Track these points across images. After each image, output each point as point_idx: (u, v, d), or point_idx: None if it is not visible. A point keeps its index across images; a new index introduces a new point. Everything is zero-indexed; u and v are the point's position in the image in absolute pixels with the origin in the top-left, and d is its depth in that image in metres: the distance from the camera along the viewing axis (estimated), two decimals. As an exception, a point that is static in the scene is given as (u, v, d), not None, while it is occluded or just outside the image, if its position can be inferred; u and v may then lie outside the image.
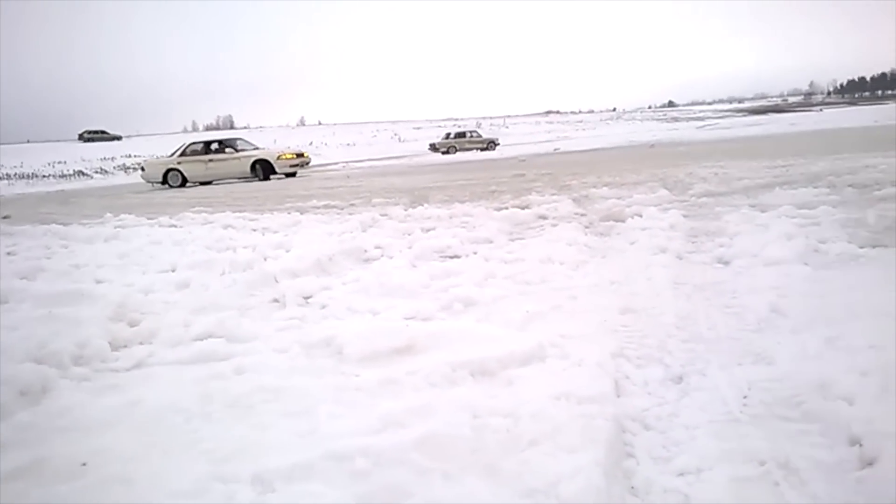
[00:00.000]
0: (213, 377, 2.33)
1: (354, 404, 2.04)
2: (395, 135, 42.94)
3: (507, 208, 6.47)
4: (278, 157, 19.36)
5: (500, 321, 2.90)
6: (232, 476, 1.59)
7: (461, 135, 38.38)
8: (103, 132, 60.02)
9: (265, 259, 4.50)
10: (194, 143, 20.75)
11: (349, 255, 4.56)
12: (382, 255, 4.50)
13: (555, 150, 23.21)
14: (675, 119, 61.99)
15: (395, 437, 1.75)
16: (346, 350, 2.55)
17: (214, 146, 20.16)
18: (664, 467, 1.69)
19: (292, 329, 3.00)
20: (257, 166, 19.14)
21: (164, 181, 19.64)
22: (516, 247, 4.57)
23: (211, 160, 19.65)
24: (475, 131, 40.77)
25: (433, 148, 37.05)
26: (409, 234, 5.22)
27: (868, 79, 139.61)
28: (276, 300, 3.60)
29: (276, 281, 3.88)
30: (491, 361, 2.29)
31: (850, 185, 6.38)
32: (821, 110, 56.83)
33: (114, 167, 35.77)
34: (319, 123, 59.45)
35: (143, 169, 20.90)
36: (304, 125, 61.34)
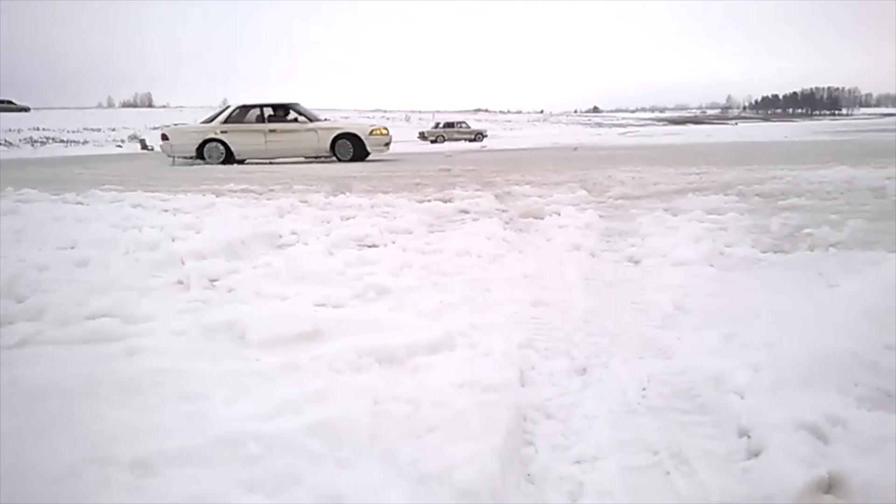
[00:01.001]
0: (103, 358, 2.20)
1: (252, 389, 1.96)
2: (322, 122, 42.42)
3: (429, 201, 6.45)
4: (371, 132, 14.33)
5: (413, 310, 2.87)
6: (110, 459, 1.49)
7: (450, 125, 39.60)
8: (9, 102, 56.45)
9: (173, 240, 4.31)
10: (245, 105, 14.69)
11: (263, 239, 4.42)
12: (298, 242, 4.39)
13: (482, 147, 23.37)
14: (599, 124, 63.59)
15: (291, 422, 1.69)
16: (248, 334, 2.45)
17: (275, 111, 14.60)
18: (562, 455, 1.69)
19: (194, 312, 2.88)
20: (342, 143, 14.10)
21: (199, 156, 14.12)
22: (435, 238, 4.55)
23: (272, 130, 14.19)
24: (464, 122, 41.64)
25: (422, 136, 38.22)
26: (328, 222, 5.12)
27: (780, 97, 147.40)
28: (180, 282, 3.45)
29: (182, 262, 3.72)
30: (399, 349, 2.26)
31: (757, 195, 6.68)
32: (736, 124, 59.55)
33: (20, 140, 33.64)
34: (244, 106, 57.97)
35: (164, 138, 14.69)
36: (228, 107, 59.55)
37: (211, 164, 13.93)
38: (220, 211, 5.95)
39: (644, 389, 2.03)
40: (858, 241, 4.26)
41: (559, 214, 5.37)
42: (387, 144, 14.69)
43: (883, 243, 4.17)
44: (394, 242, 4.38)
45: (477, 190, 7.66)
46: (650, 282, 3.34)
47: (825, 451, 1.57)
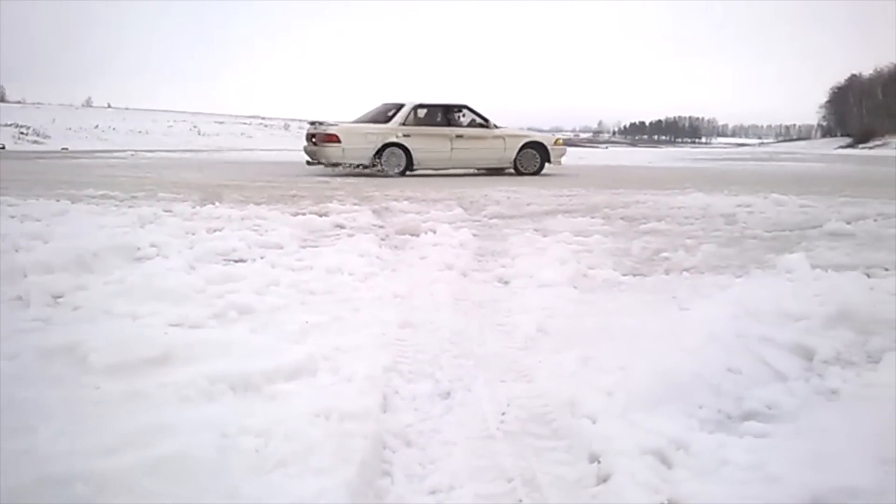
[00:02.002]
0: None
1: (88, 421, 1.80)
2: (195, 127, 40.20)
3: (304, 214, 6.30)
4: (555, 142, 13.39)
5: (276, 332, 2.76)
6: None
7: None
8: None
9: (16, 250, 3.94)
10: (422, 104, 12.55)
11: (119, 251, 4.13)
12: (158, 255, 4.13)
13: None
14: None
15: (128, 459, 1.56)
16: (91, 358, 2.26)
17: (459, 115, 12.78)
18: (418, 485, 1.67)
19: (32, 332, 2.63)
20: (528, 153, 12.84)
21: (374, 163, 11.79)
22: (307, 254, 4.44)
23: (459, 136, 12.42)
24: None
25: None
26: (193, 234, 4.86)
27: (647, 123, 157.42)
28: (20, 298, 3.15)
29: (25, 276, 3.41)
30: (256, 375, 2.16)
31: (621, 218, 7.04)
32: (606, 147, 62.79)
33: None
34: (109, 106, 53.99)
35: (331, 139, 11.73)
36: (90, 106, 55.32)
37: (388, 174, 11.82)
38: (74, 219, 5.52)
39: (503, 414, 2.05)
40: (710, 266, 4.57)
41: (435, 232, 5.39)
42: (562, 157, 13.54)
43: (731, 268, 4.50)
44: (262, 258, 4.22)
45: (355, 204, 7.58)
46: (517, 303, 3.41)
47: (668, 476, 1.64)
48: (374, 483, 1.64)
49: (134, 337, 2.43)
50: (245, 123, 44.86)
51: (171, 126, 39.98)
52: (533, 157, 12.86)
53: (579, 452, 1.78)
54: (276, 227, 5.40)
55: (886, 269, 4.36)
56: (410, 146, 11.96)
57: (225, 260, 4.19)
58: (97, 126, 35.44)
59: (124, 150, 26.81)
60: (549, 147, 13.00)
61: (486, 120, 12.82)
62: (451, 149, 12.38)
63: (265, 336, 2.68)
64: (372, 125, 12.30)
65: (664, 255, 4.92)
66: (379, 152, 11.78)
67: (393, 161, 11.91)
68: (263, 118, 49.19)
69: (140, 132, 36.20)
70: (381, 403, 2.08)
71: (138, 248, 4.23)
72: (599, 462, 1.70)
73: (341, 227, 5.86)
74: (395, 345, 2.67)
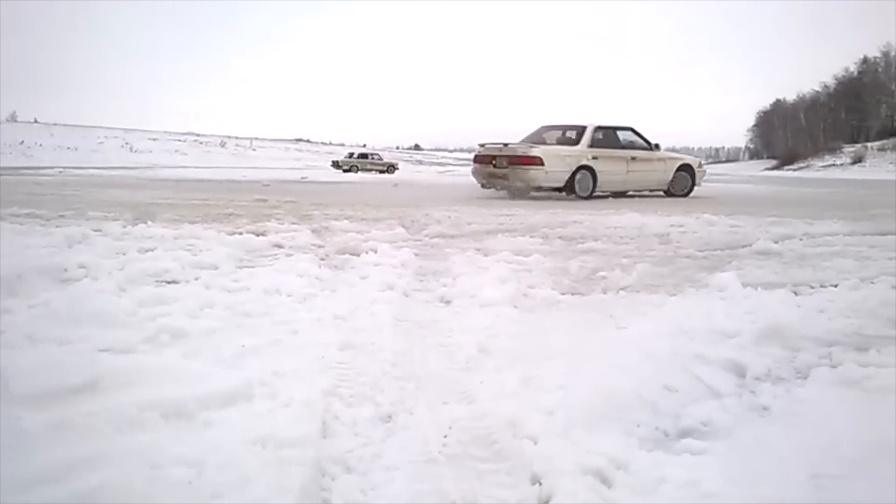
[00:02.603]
0: None
1: (8, 453, 1.70)
2: (127, 143, 39.03)
3: (241, 233, 6.17)
4: (698, 165, 13.67)
5: (211, 356, 2.67)
6: None
7: (364, 156, 41.55)
8: None
9: (-68, 273, 3.72)
10: (601, 127, 12.67)
11: (45, 273, 3.95)
12: (86, 276, 3.97)
13: (301, 178, 22.96)
14: (420, 162, 65.22)
15: (52, 493, 1.48)
16: (12, 386, 2.14)
17: (626, 137, 12.96)
18: (359, 514, 1.63)
19: (-54, 360, 2.47)
20: (681, 175, 13.20)
21: (568, 186, 11.91)
22: (244, 275, 4.34)
23: (633, 158, 12.64)
24: (377, 154, 44.40)
25: (335, 165, 39.90)
26: (124, 254, 4.69)
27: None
28: (-67, 324, 2.97)
29: (-61, 300, 3.22)
30: (189, 401, 2.08)
31: (559, 237, 7.15)
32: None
33: None
34: (35, 121, 51.82)
35: (534, 162, 11.66)
36: (15, 121, 52.95)
37: (579, 196, 11.86)
38: (-5, 239, 5.26)
39: (445, 437, 2.03)
40: (645, 285, 4.67)
41: (376, 252, 5.36)
42: (703, 178, 13.76)
43: (665, 286, 4.61)
44: (197, 279, 4.10)
45: (293, 223, 7.48)
46: (459, 322, 3.41)
47: (608, 496, 1.66)
48: (313, 512, 1.60)
49: (59, 363, 2.31)
50: (179, 140, 43.89)
51: (101, 142, 38.76)
52: (685, 179, 13.17)
53: (521, 474, 1.78)
54: (212, 246, 5.26)
55: (812, 287, 4.55)
56: (597, 168, 12.06)
57: (157, 281, 4.05)
58: (22, 142, 34.08)
59: (52, 168, 25.84)
60: (696, 169, 13.33)
61: (648, 142, 13.04)
62: (627, 171, 12.54)
63: (199, 361, 2.59)
64: (566, 147, 12.36)
65: (601, 274, 5.01)
66: (573, 175, 11.86)
67: (584, 184, 12.00)
68: (199, 135, 48.19)
69: (69, 148, 34.98)
70: (320, 429, 2.04)
71: (65, 270, 4.06)
72: (541, 483, 1.70)
73: (279, 246, 5.76)
74: (336, 368, 2.62)
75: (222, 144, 45.44)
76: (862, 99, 73.22)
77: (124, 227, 6.18)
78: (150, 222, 6.65)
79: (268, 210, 9.33)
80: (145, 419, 1.95)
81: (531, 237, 6.95)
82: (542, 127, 13.27)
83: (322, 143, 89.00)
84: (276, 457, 1.75)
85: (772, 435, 2.05)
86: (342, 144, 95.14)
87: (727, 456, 1.90)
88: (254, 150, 49.84)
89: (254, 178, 20.52)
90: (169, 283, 4.03)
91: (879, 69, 73.83)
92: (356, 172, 35.37)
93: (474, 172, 13.39)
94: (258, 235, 6.10)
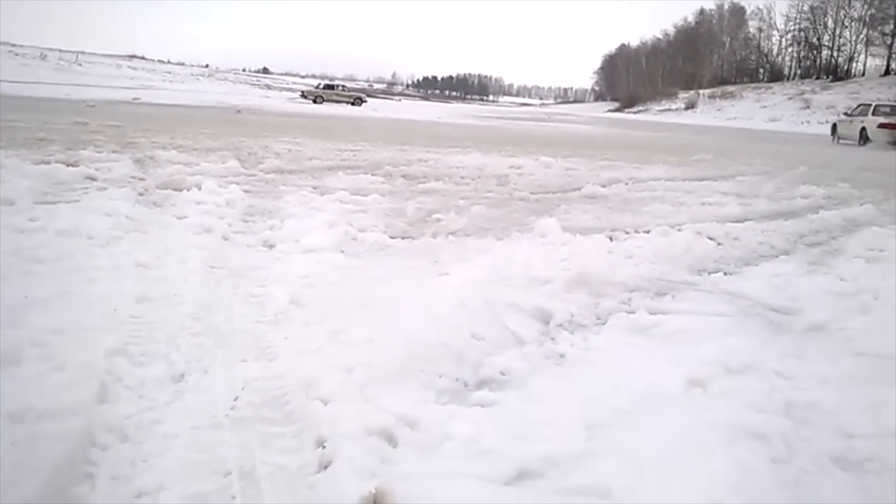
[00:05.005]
0: None
1: None
2: None
3: (48, 163, 5.57)
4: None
5: (-17, 310, 2.38)
6: None
7: (330, 87, 40.73)
8: None
9: None
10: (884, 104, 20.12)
11: None
12: None
13: (134, 99, 21.06)
14: (269, 87, 61.80)
15: None
16: None
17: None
18: (124, 489, 1.52)
19: None
20: None
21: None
22: (42, 213, 3.90)
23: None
24: (343, 85, 44.41)
25: (303, 96, 39.36)
26: None
27: (439, 78, 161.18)
28: None
29: None
30: (-62, 368, 1.83)
31: (403, 176, 7.10)
32: (399, 100, 63.33)
33: None
34: None
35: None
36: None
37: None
38: None
39: (236, 399, 1.94)
40: (476, 228, 4.74)
41: (200, 188, 5.02)
42: None
43: (495, 230, 4.70)
44: (-17, 217, 3.64)
45: (114, 151, 6.88)
46: (277, 270, 3.27)
47: (391, 456, 1.65)
48: (68, 491, 1.47)
49: None
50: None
51: None
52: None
53: (307, 438, 1.73)
54: (11, 178, 4.69)
55: (627, 233, 4.82)
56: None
57: (-68, 220, 3.55)
58: None
59: None
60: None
61: None
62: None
63: (-33, 317, 2.30)
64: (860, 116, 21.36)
65: (437, 216, 5.03)
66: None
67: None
68: (14, 45, 42.77)
69: None
70: (96, 394, 1.87)
71: None
72: (324, 447, 1.66)
73: (92, 179, 5.27)
74: (128, 323, 2.42)
75: (42, 57, 40.53)
76: (697, 48, 78.28)
77: None
78: (-66, 147, 5.83)
79: (87, 135, 8.52)
80: None
81: (373, 175, 6.85)
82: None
83: (159, 60, 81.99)
84: (31, 431, 1.58)
85: (560, 384, 2.14)
86: (182, 63, 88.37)
87: (514, 407, 1.95)
88: (80, 65, 44.67)
89: (78, 97, 18.59)
90: (-54, 221, 3.54)
91: (714, 21, 79.02)
92: (321, 103, 34.92)
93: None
94: (69, 166, 5.54)
